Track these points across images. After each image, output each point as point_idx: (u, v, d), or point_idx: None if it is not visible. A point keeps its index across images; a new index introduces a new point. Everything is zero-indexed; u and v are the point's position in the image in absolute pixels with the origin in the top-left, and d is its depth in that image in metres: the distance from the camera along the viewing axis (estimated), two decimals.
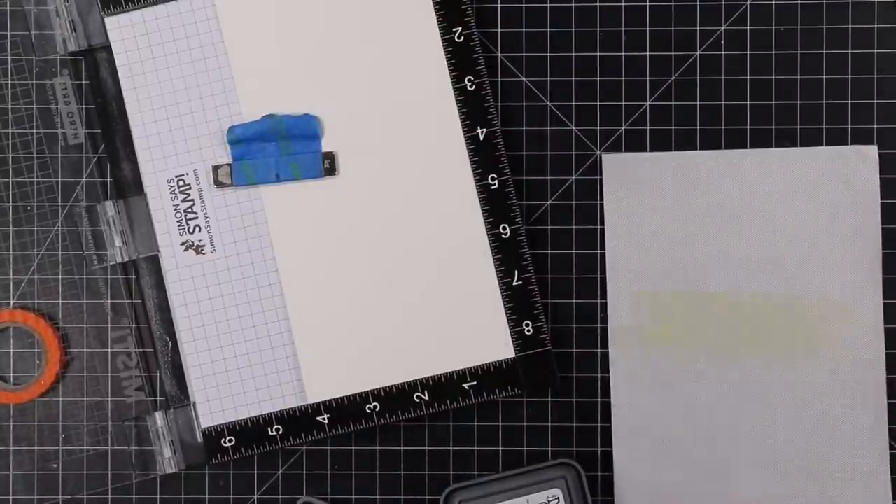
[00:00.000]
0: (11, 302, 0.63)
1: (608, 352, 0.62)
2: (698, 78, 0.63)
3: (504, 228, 0.62)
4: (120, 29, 0.62)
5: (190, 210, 0.62)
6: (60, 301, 0.63)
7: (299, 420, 0.62)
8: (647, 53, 0.63)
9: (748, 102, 0.63)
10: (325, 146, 0.62)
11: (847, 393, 0.62)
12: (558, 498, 0.61)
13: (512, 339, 0.61)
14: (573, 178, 0.63)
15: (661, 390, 0.62)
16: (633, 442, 0.62)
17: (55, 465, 0.63)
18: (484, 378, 0.61)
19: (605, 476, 0.63)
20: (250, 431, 0.62)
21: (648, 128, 0.63)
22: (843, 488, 0.62)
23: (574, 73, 0.63)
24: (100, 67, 0.63)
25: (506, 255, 0.61)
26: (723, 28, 0.63)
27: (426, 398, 0.61)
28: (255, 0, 0.62)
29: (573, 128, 0.63)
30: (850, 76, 0.63)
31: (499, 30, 0.63)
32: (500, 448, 0.63)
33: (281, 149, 0.62)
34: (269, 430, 0.62)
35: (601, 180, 0.63)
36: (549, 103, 0.63)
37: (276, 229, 0.62)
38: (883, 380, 0.62)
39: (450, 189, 0.62)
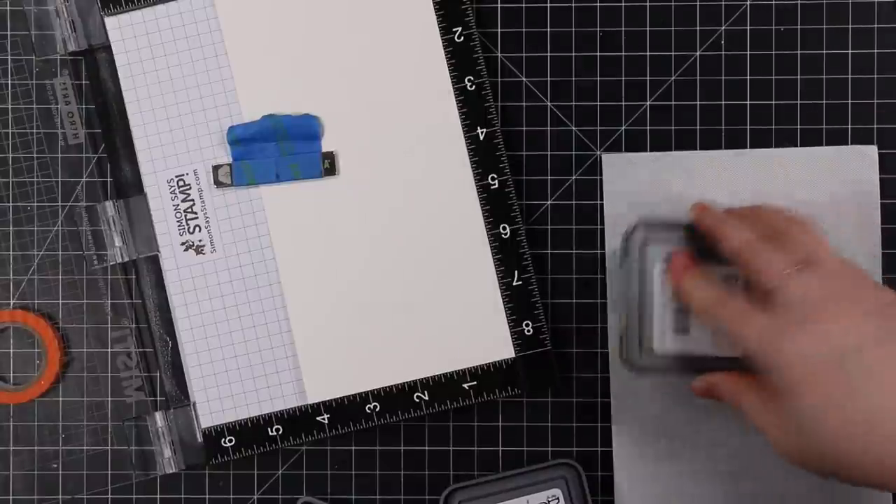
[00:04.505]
0: (11, 302, 0.63)
1: (608, 352, 0.62)
2: (698, 78, 0.63)
3: (504, 228, 0.62)
4: (120, 29, 0.62)
5: (190, 210, 0.62)
6: (60, 301, 0.63)
7: (299, 420, 0.62)
8: (647, 53, 0.63)
9: (748, 102, 0.63)
10: (325, 146, 0.62)
11: None
12: (558, 498, 0.61)
13: (512, 339, 0.61)
14: (573, 178, 0.63)
15: (661, 390, 0.62)
16: (633, 442, 0.62)
17: (55, 465, 0.63)
18: (484, 378, 0.61)
19: (605, 476, 0.63)
20: (250, 431, 0.62)
21: (648, 128, 0.63)
22: (844, 489, 0.62)
23: (574, 73, 0.63)
24: (100, 67, 0.63)
25: (506, 255, 0.61)
26: (723, 28, 0.63)
27: (426, 398, 0.61)
28: (255, 0, 0.62)
29: (573, 128, 0.63)
30: (849, 76, 0.63)
31: (499, 30, 0.63)
32: (500, 448, 0.63)
33: (281, 149, 0.62)
34: (269, 430, 0.62)
35: (601, 180, 0.63)
36: (549, 103, 0.63)
37: (276, 229, 0.62)
38: None
39: (450, 189, 0.62)
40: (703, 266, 0.58)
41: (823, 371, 0.51)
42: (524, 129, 0.63)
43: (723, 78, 0.63)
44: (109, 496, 0.63)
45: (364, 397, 0.61)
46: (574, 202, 0.63)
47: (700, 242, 0.57)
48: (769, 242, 0.54)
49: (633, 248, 0.58)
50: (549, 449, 0.63)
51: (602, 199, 0.63)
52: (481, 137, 0.62)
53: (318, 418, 0.62)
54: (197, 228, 0.62)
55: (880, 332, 0.51)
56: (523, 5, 0.63)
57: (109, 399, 0.63)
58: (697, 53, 0.63)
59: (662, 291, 0.58)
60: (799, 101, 0.63)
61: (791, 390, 0.52)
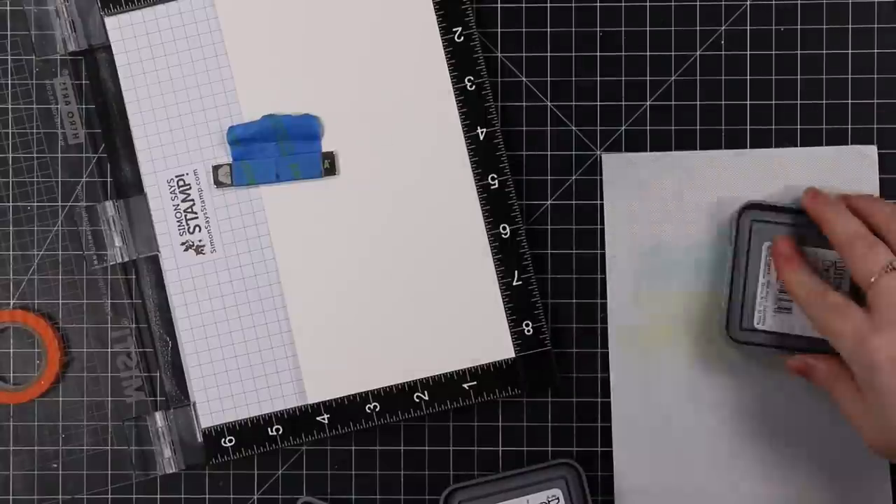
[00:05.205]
0: (11, 302, 0.63)
1: (608, 352, 0.62)
2: (698, 78, 0.63)
3: (504, 228, 0.62)
4: (120, 29, 0.62)
5: (190, 210, 0.62)
6: (60, 301, 0.63)
7: (299, 420, 0.62)
8: (647, 53, 0.63)
9: (748, 102, 0.63)
10: (325, 146, 0.62)
11: None
12: (558, 498, 0.61)
13: (512, 339, 0.61)
14: (573, 178, 0.63)
15: (661, 390, 0.62)
16: (633, 442, 0.62)
17: (55, 465, 0.63)
18: (484, 378, 0.61)
19: (605, 476, 0.63)
20: (250, 431, 0.62)
21: (648, 128, 0.63)
22: (843, 488, 0.62)
23: (574, 73, 0.63)
24: (100, 67, 0.63)
25: (506, 255, 0.61)
26: (723, 28, 0.63)
27: (426, 398, 0.61)
28: (255, 0, 0.62)
29: (573, 128, 0.63)
30: (849, 76, 0.63)
31: (499, 30, 0.63)
32: (500, 448, 0.63)
33: (281, 149, 0.62)
34: (269, 430, 0.62)
35: (601, 180, 0.63)
36: (549, 103, 0.63)
37: (276, 229, 0.62)
38: None
39: (450, 189, 0.61)
40: (812, 251, 0.58)
41: None
42: (524, 129, 0.63)
43: (723, 78, 0.63)
44: (109, 496, 0.63)
45: (364, 397, 0.61)
46: (574, 202, 0.63)
47: (812, 227, 0.58)
48: (870, 238, 0.54)
49: (742, 227, 0.60)
50: (549, 449, 0.63)
51: (602, 199, 0.63)
52: (481, 137, 0.62)
53: (318, 418, 0.62)
54: (197, 228, 0.62)
55: None
56: (523, 5, 0.63)
57: (109, 399, 0.63)
58: (697, 53, 0.63)
59: (767, 272, 0.60)
60: (799, 101, 0.63)
61: (877, 391, 0.51)
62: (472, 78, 0.62)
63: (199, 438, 0.62)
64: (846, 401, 0.55)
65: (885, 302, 0.52)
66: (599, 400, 0.63)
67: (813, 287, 0.56)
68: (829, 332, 0.54)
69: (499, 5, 0.63)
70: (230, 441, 0.62)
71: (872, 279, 0.53)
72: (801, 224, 0.59)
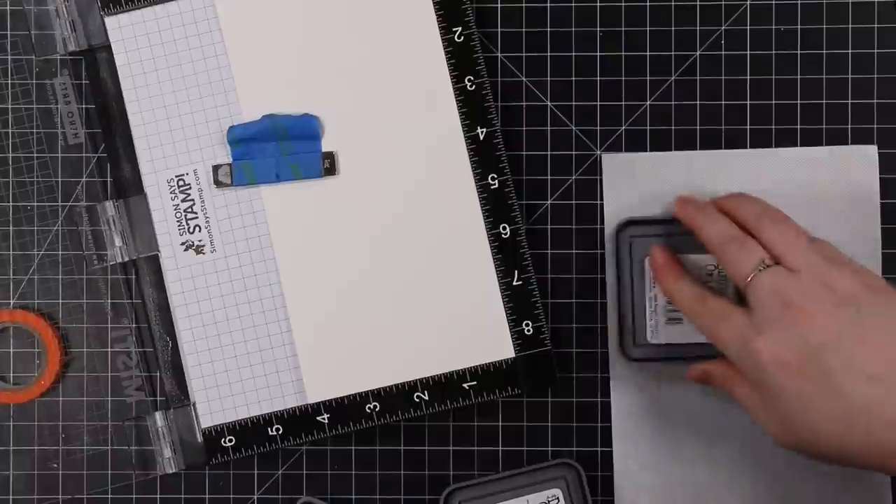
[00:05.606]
0: (11, 302, 0.63)
1: (608, 352, 0.62)
2: (698, 78, 0.63)
3: (504, 228, 0.62)
4: (120, 29, 0.62)
5: (190, 210, 0.62)
6: (60, 301, 0.63)
7: (299, 420, 0.62)
8: (647, 53, 0.63)
9: (748, 102, 0.63)
10: (325, 146, 0.62)
11: None
12: (558, 498, 0.61)
13: (512, 339, 0.61)
14: (573, 178, 0.63)
15: (661, 390, 0.62)
16: (633, 442, 0.62)
17: (55, 465, 0.63)
18: (484, 378, 0.61)
19: (605, 476, 0.63)
20: (250, 431, 0.62)
21: (648, 128, 0.63)
22: (843, 488, 0.62)
23: (574, 73, 0.63)
24: (100, 67, 0.63)
25: (506, 255, 0.61)
26: (723, 28, 0.63)
27: (426, 398, 0.61)
28: (256, 0, 0.62)
29: (573, 128, 0.63)
30: (849, 76, 0.63)
31: (499, 30, 0.63)
32: (500, 448, 0.63)
33: (281, 149, 0.62)
34: (269, 430, 0.62)
35: (601, 180, 0.63)
36: (549, 103, 0.63)
37: (276, 229, 0.62)
38: None
39: (450, 189, 0.61)
40: (692, 258, 0.59)
41: (801, 371, 0.51)
42: (524, 129, 0.63)
43: (723, 78, 0.63)
44: (109, 496, 0.63)
45: (364, 397, 0.61)
46: (574, 202, 0.63)
47: (688, 235, 0.58)
48: (741, 238, 0.54)
49: (622, 244, 0.61)
50: (549, 449, 0.63)
51: (602, 199, 0.63)
52: (481, 137, 0.62)
53: (318, 418, 0.62)
54: (197, 228, 0.62)
55: (857, 316, 0.51)
56: (523, 5, 0.63)
57: (109, 399, 0.63)
58: (697, 53, 0.63)
59: (652, 285, 0.60)
60: (799, 101, 0.63)
61: (770, 389, 0.52)
62: (472, 78, 0.62)
63: (199, 438, 0.62)
64: (744, 399, 0.54)
65: (761, 301, 0.52)
66: (599, 400, 0.63)
67: (692, 294, 0.56)
68: (713, 338, 0.54)
69: (499, 5, 0.63)
70: (230, 441, 0.62)
71: (749, 279, 0.53)
72: (677, 233, 0.59)
